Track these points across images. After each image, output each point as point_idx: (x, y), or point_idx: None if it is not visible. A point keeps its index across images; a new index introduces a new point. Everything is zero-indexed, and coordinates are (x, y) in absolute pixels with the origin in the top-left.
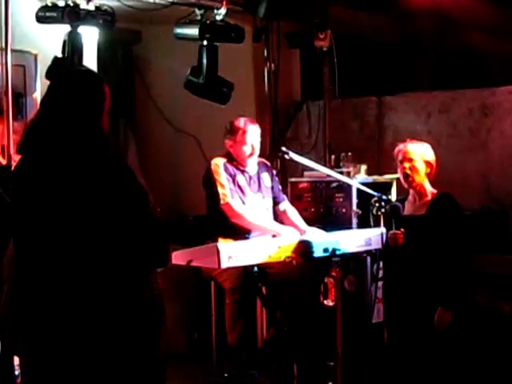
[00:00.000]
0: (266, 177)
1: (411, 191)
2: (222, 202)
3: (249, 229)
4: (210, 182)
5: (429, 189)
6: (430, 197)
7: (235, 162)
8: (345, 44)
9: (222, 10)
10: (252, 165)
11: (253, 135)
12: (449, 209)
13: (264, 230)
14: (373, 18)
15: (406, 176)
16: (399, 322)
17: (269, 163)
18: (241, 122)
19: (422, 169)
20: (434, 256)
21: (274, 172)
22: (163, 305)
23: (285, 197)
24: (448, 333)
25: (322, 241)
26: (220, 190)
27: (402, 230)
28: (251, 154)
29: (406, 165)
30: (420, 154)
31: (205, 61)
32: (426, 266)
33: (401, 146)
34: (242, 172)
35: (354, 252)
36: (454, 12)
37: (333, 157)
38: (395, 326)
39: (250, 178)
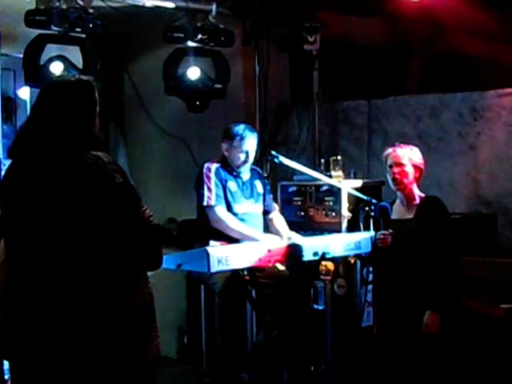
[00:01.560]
0: (258, 184)
1: (399, 195)
2: (205, 203)
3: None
4: (198, 184)
5: (417, 192)
6: (418, 200)
7: (229, 166)
8: (334, 48)
9: (213, 11)
10: (245, 171)
11: (250, 143)
12: (437, 212)
13: (244, 236)
14: (362, 22)
15: (395, 181)
16: (389, 326)
17: (260, 171)
18: (240, 128)
19: (411, 173)
20: (422, 259)
21: (266, 181)
22: (154, 309)
23: (276, 206)
24: (437, 335)
25: (312, 244)
26: (206, 192)
27: (391, 230)
28: (244, 162)
29: (396, 169)
30: (409, 158)
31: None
32: (414, 269)
33: (390, 150)
34: (235, 177)
35: (343, 256)
36: (443, 16)
37: (322, 160)
38: (385, 330)
39: (243, 183)
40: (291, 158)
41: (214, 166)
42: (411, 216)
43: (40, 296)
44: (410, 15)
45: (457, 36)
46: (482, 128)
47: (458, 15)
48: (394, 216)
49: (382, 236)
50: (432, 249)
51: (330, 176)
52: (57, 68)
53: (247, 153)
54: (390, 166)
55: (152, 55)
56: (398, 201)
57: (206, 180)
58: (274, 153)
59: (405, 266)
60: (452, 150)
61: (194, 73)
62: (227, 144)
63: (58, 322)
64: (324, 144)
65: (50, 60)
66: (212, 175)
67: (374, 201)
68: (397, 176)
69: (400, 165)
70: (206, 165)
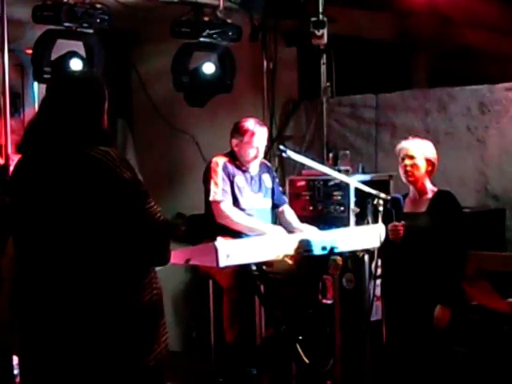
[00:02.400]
0: (266, 178)
1: (411, 188)
2: (211, 198)
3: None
4: (206, 179)
5: (429, 186)
6: (430, 194)
7: (238, 161)
8: (342, 42)
9: (221, 6)
10: (254, 166)
11: (260, 138)
12: (449, 207)
13: (250, 230)
14: (370, 16)
15: (406, 173)
16: (398, 320)
17: (270, 164)
18: (250, 123)
19: (423, 166)
20: (434, 253)
21: (275, 174)
22: (162, 305)
23: (285, 199)
24: (447, 330)
25: (321, 239)
26: (212, 187)
27: (403, 222)
28: (255, 157)
29: (407, 162)
30: (421, 151)
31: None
32: (426, 263)
33: (402, 144)
34: (244, 172)
35: (352, 250)
36: (451, 10)
37: (330, 155)
38: (394, 324)
39: (252, 178)
40: (299, 153)
41: (222, 161)
42: (423, 210)
43: (48, 291)
44: (418, 9)
45: (465, 30)
46: (490, 122)
47: (465, 9)
48: (406, 209)
49: (393, 228)
50: (444, 243)
51: (339, 170)
52: (75, 64)
53: (258, 148)
54: (402, 159)
55: (160, 50)
56: (410, 194)
57: (212, 175)
58: (282, 147)
59: (416, 259)
60: (460, 143)
61: (208, 68)
62: (237, 139)
63: (65, 317)
64: (332, 138)
65: (65, 56)
66: (219, 170)
67: (382, 195)
68: (408, 169)
69: (412, 158)
70: (213, 159)
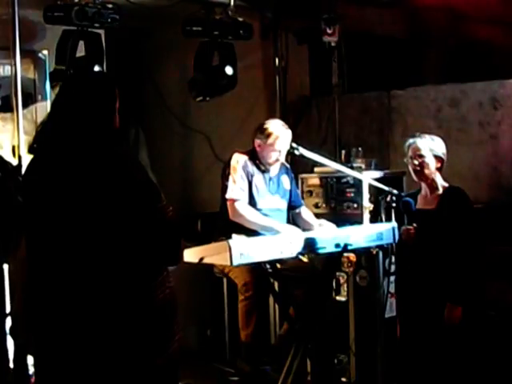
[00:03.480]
0: (285, 179)
1: (423, 185)
2: (227, 196)
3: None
4: (225, 175)
5: (440, 182)
6: (441, 191)
7: (258, 161)
8: (353, 39)
9: (231, 4)
10: (274, 168)
11: (284, 142)
12: (459, 203)
13: (264, 228)
14: (381, 12)
15: (416, 172)
16: (412, 317)
17: (288, 166)
18: (276, 126)
19: (433, 164)
20: (444, 251)
21: (293, 176)
22: (176, 303)
23: (302, 202)
24: (459, 328)
25: (334, 236)
26: (230, 185)
27: (415, 225)
28: (277, 160)
29: (416, 161)
30: (430, 149)
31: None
32: (436, 260)
33: (410, 141)
34: (263, 172)
35: (365, 247)
36: (462, 5)
37: (343, 152)
38: (408, 321)
39: (270, 178)
40: (312, 150)
41: (243, 159)
42: (434, 206)
43: (62, 291)
44: (429, 5)
45: (476, 25)
46: (502, 117)
47: (476, 4)
48: (418, 206)
49: (405, 231)
50: (454, 240)
51: (351, 167)
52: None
53: (280, 151)
54: (411, 158)
55: (171, 49)
56: (422, 191)
57: (232, 172)
58: (294, 145)
59: (427, 256)
60: (472, 139)
61: (225, 67)
62: (261, 140)
63: (80, 316)
64: (344, 135)
65: (81, 57)
66: (239, 168)
67: (395, 191)
68: (417, 168)
69: (420, 156)
70: (234, 156)
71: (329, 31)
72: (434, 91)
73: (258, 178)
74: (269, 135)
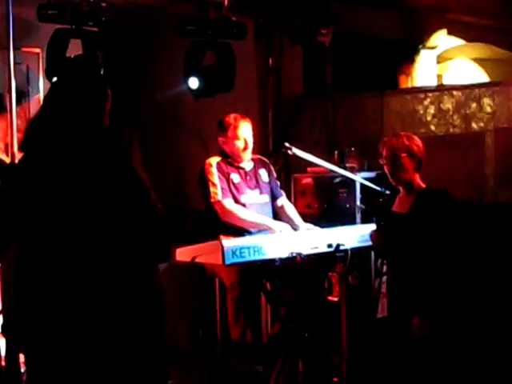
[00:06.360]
0: (263, 173)
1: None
2: (212, 200)
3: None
4: (202, 182)
5: (418, 184)
6: (415, 193)
7: (230, 159)
8: (347, 40)
9: (225, 4)
10: (247, 160)
11: (244, 129)
12: (433, 208)
13: (256, 226)
14: (375, 13)
15: (392, 175)
16: (401, 317)
17: (266, 159)
18: (231, 117)
19: (409, 164)
20: (412, 259)
21: (272, 168)
22: (165, 302)
23: (282, 192)
24: (428, 341)
25: (326, 236)
26: (211, 189)
27: (375, 229)
28: (245, 148)
29: (391, 163)
30: (406, 148)
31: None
32: (404, 269)
33: (383, 143)
34: (238, 169)
35: (358, 247)
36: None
37: (336, 152)
38: (398, 321)
39: (246, 173)
40: (305, 150)
41: (215, 161)
42: (405, 210)
43: (54, 288)
44: (423, 6)
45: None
46: (494, 119)
47: (471, 7)
48: (394, 207)
49: (372, 235)
50: (422, 248)
51: (344, 167)
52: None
53: (245, 139)
54: (386, 159)
55: (165, 48)
56: (400, 191)
57: (208, 176)
58: (287, 145)
59: (395, 264)
60: (467, 140)
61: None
62: (223, 136)
63: (71, 313)
64: (337, 135)
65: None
66: (213, 170)
67: (387, 192)
68: (392, 170)
69: (395, 157)
70: (206, 161)
71: (323, 32)
72: (427, 92)
73: (234, 175)
74: (227, 127)
